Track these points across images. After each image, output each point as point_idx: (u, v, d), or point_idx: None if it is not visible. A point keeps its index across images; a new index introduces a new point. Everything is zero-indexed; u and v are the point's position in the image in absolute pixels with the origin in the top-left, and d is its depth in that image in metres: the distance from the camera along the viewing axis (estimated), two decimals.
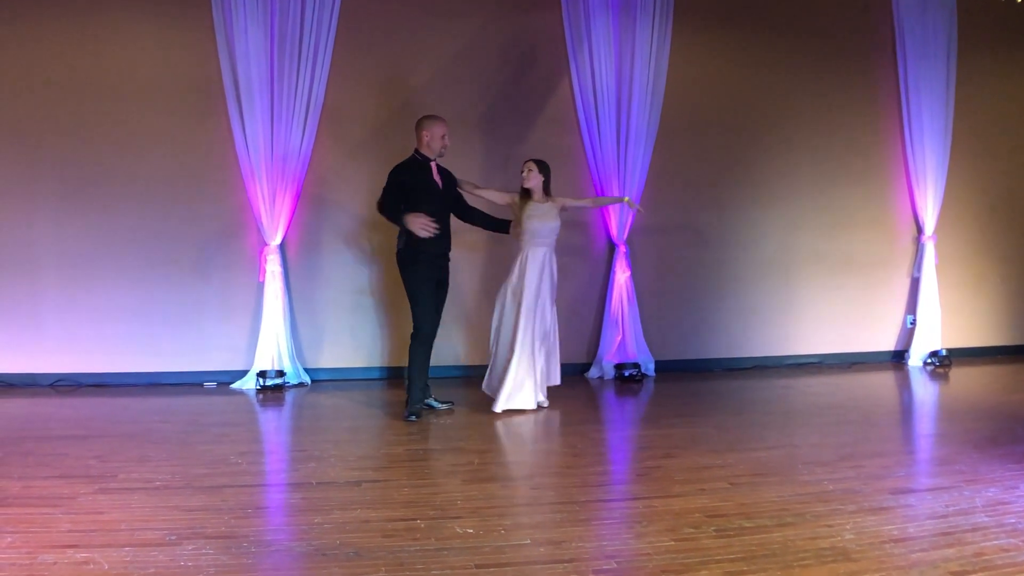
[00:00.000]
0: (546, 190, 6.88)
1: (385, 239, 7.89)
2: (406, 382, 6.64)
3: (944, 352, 9.18)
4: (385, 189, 6.54)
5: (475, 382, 7.36)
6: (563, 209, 6.98)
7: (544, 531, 3.98)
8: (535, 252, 6.78)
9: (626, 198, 7.68)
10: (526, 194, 6.87)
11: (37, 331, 7.75)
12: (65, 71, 7.68)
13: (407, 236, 6.47)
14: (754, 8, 8.95)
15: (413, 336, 6.59)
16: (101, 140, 7.75)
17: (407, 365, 6.63)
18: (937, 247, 9.39)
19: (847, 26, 9.18)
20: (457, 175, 6.90)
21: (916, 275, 9.43)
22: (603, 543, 3.85)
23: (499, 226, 7.05)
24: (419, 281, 6.52)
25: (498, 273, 7.45)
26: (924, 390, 8.11)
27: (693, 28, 8.71)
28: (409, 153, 6.66)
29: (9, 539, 3.73)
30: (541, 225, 6.77)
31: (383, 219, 6.60)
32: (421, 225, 6.34)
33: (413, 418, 6.42)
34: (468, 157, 8.05)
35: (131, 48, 7.77)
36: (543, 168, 6.86)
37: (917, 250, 9.47)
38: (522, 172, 6.86)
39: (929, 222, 9.36)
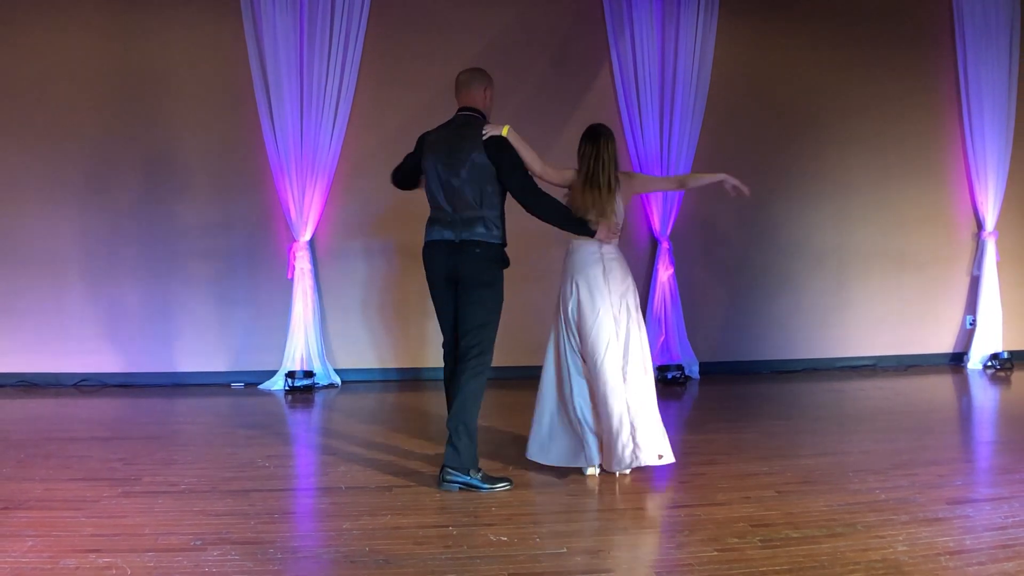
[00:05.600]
0: None
1: (418, 236, 7.89)
2: (459, 429, 4.68)
3: (1006, 354, 9.02)
4: (524, 165, 4.99)
5: (500, 387, 7.40)
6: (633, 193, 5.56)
7: (581, 540, 3.98)
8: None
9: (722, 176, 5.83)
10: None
11: (61, 330, 7.85)
12: (89, 66, 7.78)
13: (503, 230, 4.99)
14: None
15: (481, 371, 4.81)
16: (124, 135, 7.83)
17: (461, 405, 4.71)
18: (998, 244, 9.23)
19: (902, 8, 9.05)
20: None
21: (976, 273, 9.29)
22: (642, 553, 3.85)
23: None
24: (502, 295, 4.98)
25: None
26: (984, 394, 8.01)
27: (740, 10, 8.62)
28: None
29: (31, 543, 3.79)
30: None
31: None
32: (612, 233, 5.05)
33: (506, 485, 4.76)
34: None
35: (155, 39, 7.85)
36: None
37: (977, 247, 9.32)
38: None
39: (990, 217, 9.21)
